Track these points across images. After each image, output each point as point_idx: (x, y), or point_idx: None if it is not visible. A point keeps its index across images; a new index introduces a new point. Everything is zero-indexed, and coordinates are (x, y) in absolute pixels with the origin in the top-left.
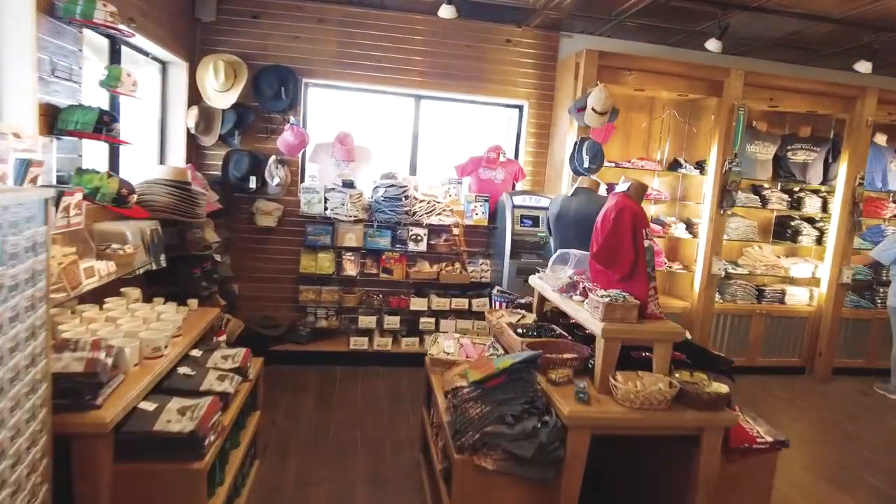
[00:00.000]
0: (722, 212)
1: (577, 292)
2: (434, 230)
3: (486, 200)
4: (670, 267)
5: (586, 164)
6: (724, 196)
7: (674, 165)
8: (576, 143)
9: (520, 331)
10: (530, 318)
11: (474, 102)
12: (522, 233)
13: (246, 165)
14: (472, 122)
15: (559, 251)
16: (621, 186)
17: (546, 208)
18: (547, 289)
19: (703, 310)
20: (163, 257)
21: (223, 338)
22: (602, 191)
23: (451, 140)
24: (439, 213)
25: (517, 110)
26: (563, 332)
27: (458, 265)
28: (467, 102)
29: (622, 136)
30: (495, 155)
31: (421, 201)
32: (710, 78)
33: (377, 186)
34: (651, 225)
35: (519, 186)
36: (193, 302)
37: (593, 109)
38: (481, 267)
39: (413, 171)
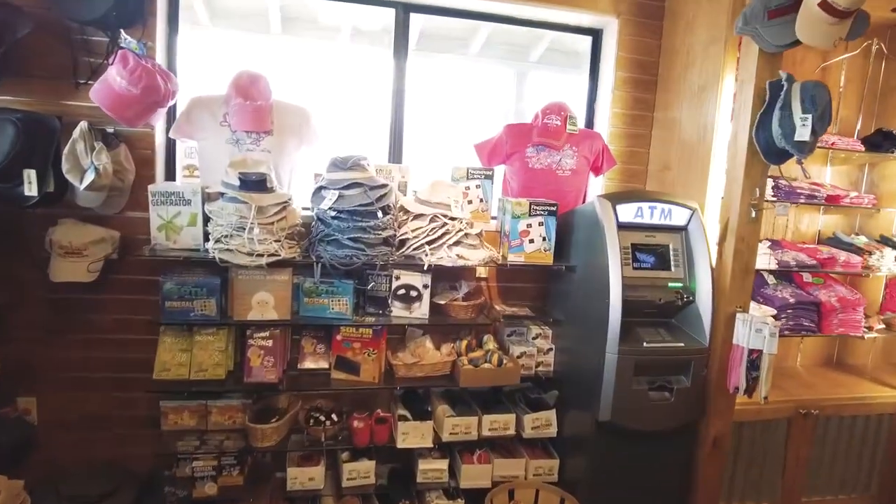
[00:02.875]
0: None
1: None
2: (443, 274)
3: (550, 212)
4: (869, 329)
5: (805, 134)
6: None
7: (877, 141)
8: (773, 87)
9: None
10: None
11: (508, 21)
12: (638, 281)
13: (8, 145)
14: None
15: None
16: None
17: (683, 228)
18: None
19: None
20: None
21: None
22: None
23: (465, 96)
24: (455, 241)
25: (589, 38)
26: None
27: (490, 344)
28: (494, 20)
29: None
30: (559, 122)
31: (417, 216)
32: None
33: (322, 187)
34: (821, 249)
35: (600, 183)
36: None
37: (824, 6)
38: (537, 343)
39: (395, 154)
